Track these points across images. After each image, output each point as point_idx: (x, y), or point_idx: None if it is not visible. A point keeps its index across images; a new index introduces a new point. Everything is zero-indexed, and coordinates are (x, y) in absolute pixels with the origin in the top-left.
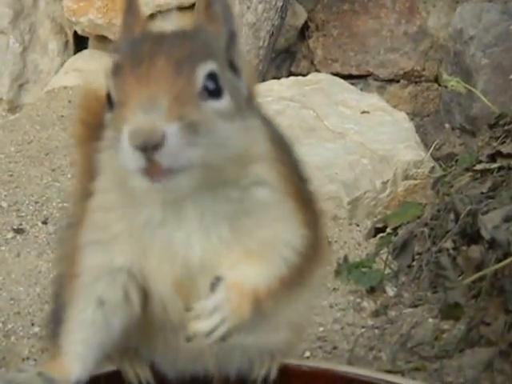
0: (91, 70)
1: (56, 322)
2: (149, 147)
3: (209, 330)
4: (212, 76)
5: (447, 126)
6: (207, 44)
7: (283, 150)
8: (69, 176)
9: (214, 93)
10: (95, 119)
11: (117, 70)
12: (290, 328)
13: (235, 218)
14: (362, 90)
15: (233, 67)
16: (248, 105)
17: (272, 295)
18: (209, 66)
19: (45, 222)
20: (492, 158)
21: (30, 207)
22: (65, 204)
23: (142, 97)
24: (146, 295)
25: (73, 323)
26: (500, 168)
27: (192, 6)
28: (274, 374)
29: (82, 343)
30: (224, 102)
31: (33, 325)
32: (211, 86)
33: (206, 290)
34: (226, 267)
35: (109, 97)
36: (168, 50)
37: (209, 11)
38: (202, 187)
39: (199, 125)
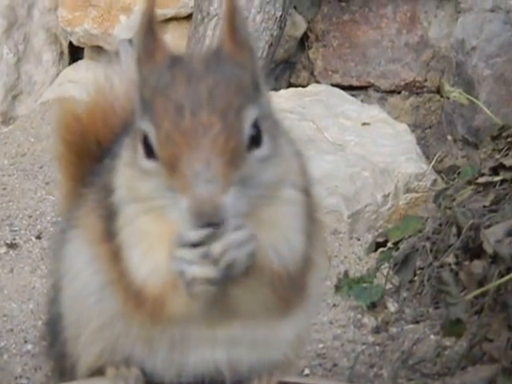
0: (86, 80)
1: (53, 330)
2: (212, 224)
3: (240, 240)
4: (255, 123)
5: (449, 137)
6: (242, 82)
7: (307, 177)
8: None
9: (257, 140)
10: (75, 137)
11: (150, 111)
12: (296, 339)
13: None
14: (362, 101)
15: (255, 85)
16: (275, 125)
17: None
18: (252, 113)
19: (39, 237)
20: (495, 170)
21: (24, 221)
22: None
23: (197, 162)
24: None
25: None
26: (503, 181)
27: (189, 17)
28: None
29: None
30: (264, 148)
31: (26, 342)
32: (255, 133)
33: None
34: None
35: (145, 138)
36: (209, 97)
37: (234, 37)
38: None
39: (246, 179)
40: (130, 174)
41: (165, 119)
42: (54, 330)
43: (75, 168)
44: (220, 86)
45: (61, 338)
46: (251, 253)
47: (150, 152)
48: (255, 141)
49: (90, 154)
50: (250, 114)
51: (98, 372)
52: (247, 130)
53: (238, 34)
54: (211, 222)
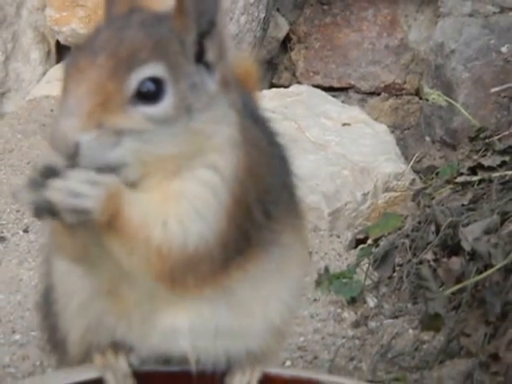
0: None
1: (46, 302)
2: (64, 154)
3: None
4: (153, 80)
5: (428, 139)
6: (161, 41)
7: (256, 145)
8: None
9: (150, 97)
10: None
11: (73, 52)
12: (269, 332)
13: None
14: (343, 102)
15: (205, 61)
16: (217, 99)
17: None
18: (149, 70)
19: (26, 231)
20: (473, 170)
21: (12, 215)
22: None
23: (69, 98)
24: None
25: None
26: (481, 180)
27: None
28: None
29: None
30: (161, 107)
31: (14, 332)
32: (147, 90)
33: None
34: None
35: None
36: (114, 46)
37: (181, 5)
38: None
39: (123, 130)
40: None
41: (72, 56)
42: (47, 301)
43: None
44: (128, 36)
45: (52, 310)
46: (83, 209)
47: None
48: (147, 98)
49: None
50: (147, 71)
51: (88, 357)
52: (134, 84)
53: (183, 2)
54: (61, 152)
